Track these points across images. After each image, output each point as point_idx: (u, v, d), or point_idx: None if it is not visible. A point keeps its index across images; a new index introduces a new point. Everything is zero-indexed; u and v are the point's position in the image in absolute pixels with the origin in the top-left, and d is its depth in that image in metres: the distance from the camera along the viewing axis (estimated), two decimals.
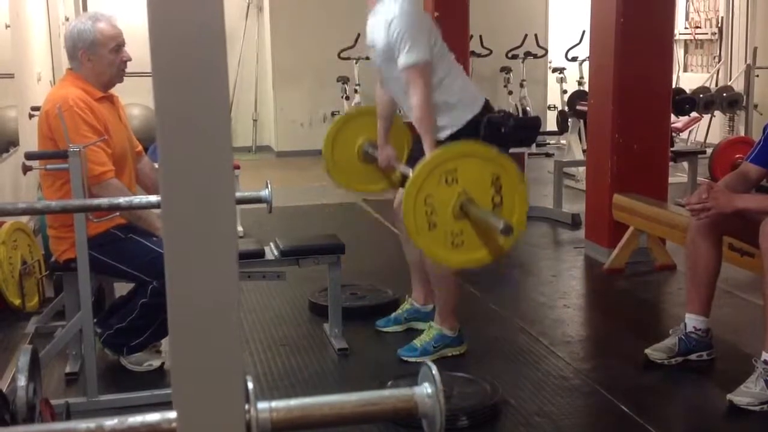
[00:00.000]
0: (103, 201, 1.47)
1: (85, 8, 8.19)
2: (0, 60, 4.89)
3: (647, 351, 3.32)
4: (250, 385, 0.84)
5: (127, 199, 1.41)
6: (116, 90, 3.34)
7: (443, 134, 3.27)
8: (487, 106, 3.39)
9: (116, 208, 1.33)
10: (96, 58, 3.15)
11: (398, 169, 3.51)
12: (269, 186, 1.33)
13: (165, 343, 3.33)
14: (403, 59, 3.18)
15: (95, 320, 3.06)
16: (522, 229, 2.97)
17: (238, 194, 1.28)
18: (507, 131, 3.33)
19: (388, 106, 3.60)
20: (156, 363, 3.31)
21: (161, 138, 1.01)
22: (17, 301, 3.91)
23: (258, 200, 1.29)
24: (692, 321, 3.27)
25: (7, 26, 5.04)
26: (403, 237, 3.70)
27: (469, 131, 3.25)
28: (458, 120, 3.29)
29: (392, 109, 3.62)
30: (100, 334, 3.23)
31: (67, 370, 3.26)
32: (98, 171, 3.03)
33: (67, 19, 8.59)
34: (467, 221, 2.90)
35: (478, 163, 2.90)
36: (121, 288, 3.53)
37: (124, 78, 3.29)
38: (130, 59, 3.22)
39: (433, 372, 0.91)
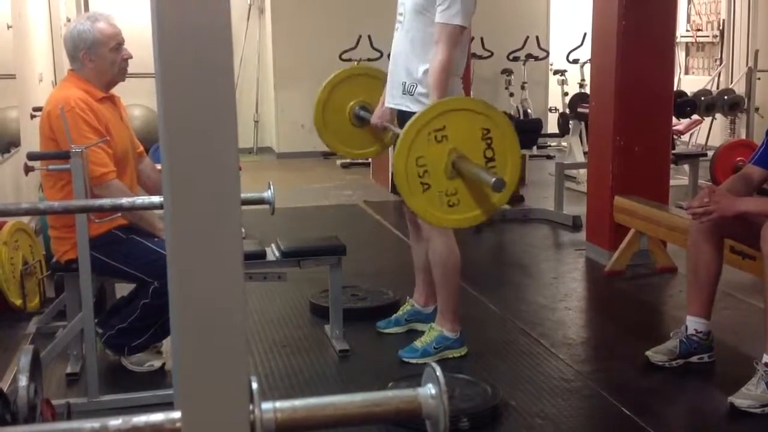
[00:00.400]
0: (106, 201, 1.48)
1: (86, 9, 8.19)
2: (2, 60, 4.90)
3: (648, 353, 3.32)
4: (255, 386, 0.84)
5: (129, 199, 1.41)
6: (117, 90, 3.34)
7: (417, 99, 3.25)
8: None
9: (118, 208, 1.33)
10: (97, 58, 3.15)
11: (390, 130, 3.48)
12: (272, 187, 1.33)
13: (166, 344, 3.33)
14: (445, 15, 3.14)
15: (96, 320, 3.06)
16: (516, 183, 2.95)
17: (241, 195, 1.29)
18: None
19: None
20: (157, 363, 3.31)
21: (165, 138, 1.01)
22: (18, 302, 3.91)
23: (261, 201, 1.29)
24: (693, 323, 3.27)
25: (8, 27, 5.04)
26: (413, 237, 3.69)
27: None
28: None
29: None
30: (101, 334, 3.23)
31: (68, 370, 3.26)
32: (99, 172, 3.03)
33: (68, 20, 8.60)
34: (460, 180, 2.88)
35: (467, 118, 2.87)
36: (122, 288, 3.53)
37: (126, 78, 3.30)
38: (131, 57, 3.23)
39: (437, 373, 0.91)
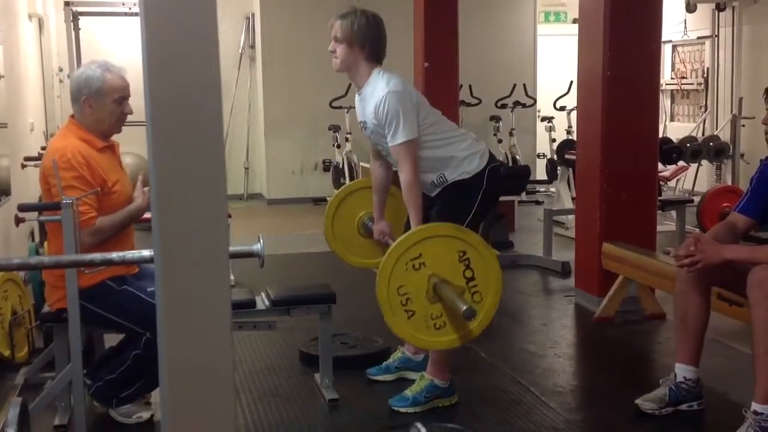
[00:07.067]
0: (96, 256, 1.50)
1: (79, 60, 8.25)
2: None
3: (638, 401, 3.31)
4: None
5: (119, 254, 1.43)
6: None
7: (452, 178, 3.37)
8: (491, 158, 3.48)
9: (109, 263, 1.35)
10: (98, 106, 3.16)
11: (391, 244, 3.54)
12: (261, 240, 1.35)
13: (155, 395, 3.31)
14: (392, 139, 3.29)
15: (85, 371, 3.04)
16: (497, 301, 2.98)
17: (230, 249, 1.31)
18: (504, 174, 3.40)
19: (383, 180, 3.67)
20: (145, 415, 3.28)
21: (156, 193, 1.04)
22: (7, 352, 3.88)
23: (250, 254, 1.31)
24: (682, 371, 3.27)
25: (1, 77, 5.08)
26: None
27: (475, 181, 3.37)
28: (462, 172, 3.38)
29: (387, 183, 3.68)
30: (89, 385, 3.21)
31: (56, 422, 3.23)
32: (81, 219, 3.04)
33: (60, 70, 8.67)
34: (442, 303, 2.93)
35: (441, 243, 2.94)
36: (110, 338, 3.52)
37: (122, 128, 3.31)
38: (131, 112, 3.24)
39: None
